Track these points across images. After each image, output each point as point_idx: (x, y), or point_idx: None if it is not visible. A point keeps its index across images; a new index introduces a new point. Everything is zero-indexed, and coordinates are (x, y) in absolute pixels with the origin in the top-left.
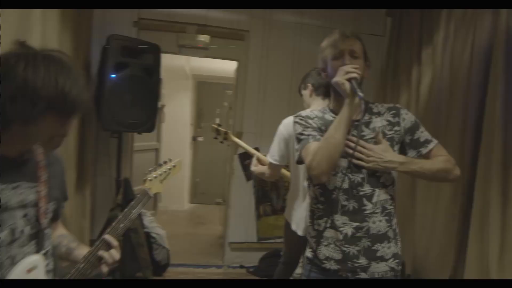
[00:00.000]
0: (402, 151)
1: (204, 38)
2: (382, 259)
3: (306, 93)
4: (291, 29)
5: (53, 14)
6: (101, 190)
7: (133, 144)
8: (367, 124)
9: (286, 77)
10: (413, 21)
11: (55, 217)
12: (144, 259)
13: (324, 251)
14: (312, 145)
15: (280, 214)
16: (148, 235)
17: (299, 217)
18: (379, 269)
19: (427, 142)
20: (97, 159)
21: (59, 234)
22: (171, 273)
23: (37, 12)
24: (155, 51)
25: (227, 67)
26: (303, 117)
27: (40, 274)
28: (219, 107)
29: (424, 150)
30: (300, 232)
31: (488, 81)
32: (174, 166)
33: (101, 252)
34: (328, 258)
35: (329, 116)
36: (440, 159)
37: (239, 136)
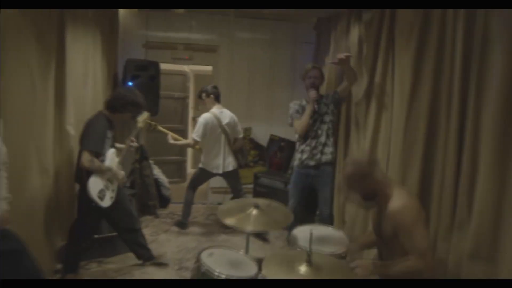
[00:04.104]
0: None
1: (189, 52)
2: None
3: (207, 99)
4: (247, 42)
5: (97, 48)
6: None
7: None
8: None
9: (245, 75)
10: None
11: None
12: (153, 194)
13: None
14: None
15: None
16: (156, 180)
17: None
18: None
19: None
20: (124, 134)
21: None
22: (172, 207)
23: (89, 50)
24: (156, 65)
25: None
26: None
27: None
28: None
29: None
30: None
31: None
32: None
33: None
34: None
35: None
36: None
37: None
